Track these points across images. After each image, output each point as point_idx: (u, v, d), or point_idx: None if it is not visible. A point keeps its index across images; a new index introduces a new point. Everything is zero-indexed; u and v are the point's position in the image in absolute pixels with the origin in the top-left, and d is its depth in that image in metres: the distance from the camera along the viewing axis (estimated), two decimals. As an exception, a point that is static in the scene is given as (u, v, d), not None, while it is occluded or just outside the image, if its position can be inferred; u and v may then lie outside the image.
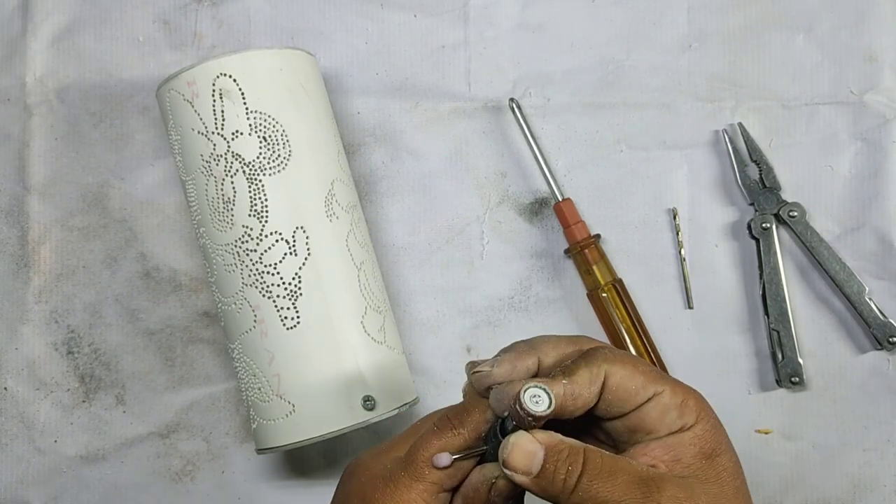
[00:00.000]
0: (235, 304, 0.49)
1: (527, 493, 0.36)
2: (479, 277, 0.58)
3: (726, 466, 0.36)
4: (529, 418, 0.33)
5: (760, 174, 0.57)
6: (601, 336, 0.57)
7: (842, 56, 0.58)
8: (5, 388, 0.57)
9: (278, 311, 0.48)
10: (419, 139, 0.59)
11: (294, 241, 0.48)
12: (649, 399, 0.35)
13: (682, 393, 0.36)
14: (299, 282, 0.48)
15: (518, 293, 0.58)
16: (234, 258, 0.49)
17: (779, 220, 0.57)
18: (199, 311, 0.58)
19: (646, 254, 0.58)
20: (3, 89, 0.59)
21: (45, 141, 0.58)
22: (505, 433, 0.35)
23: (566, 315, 0.58)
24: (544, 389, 0.34)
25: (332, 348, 0.48)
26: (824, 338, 0.57)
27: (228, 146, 0.48)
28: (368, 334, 0.49)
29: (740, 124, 0.58)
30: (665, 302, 0.58)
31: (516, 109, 0.57)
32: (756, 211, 0.57)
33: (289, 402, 0.48)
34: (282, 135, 0.49)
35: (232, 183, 0.48)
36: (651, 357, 0.56)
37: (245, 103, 0.48)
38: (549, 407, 0.33)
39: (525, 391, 0.33)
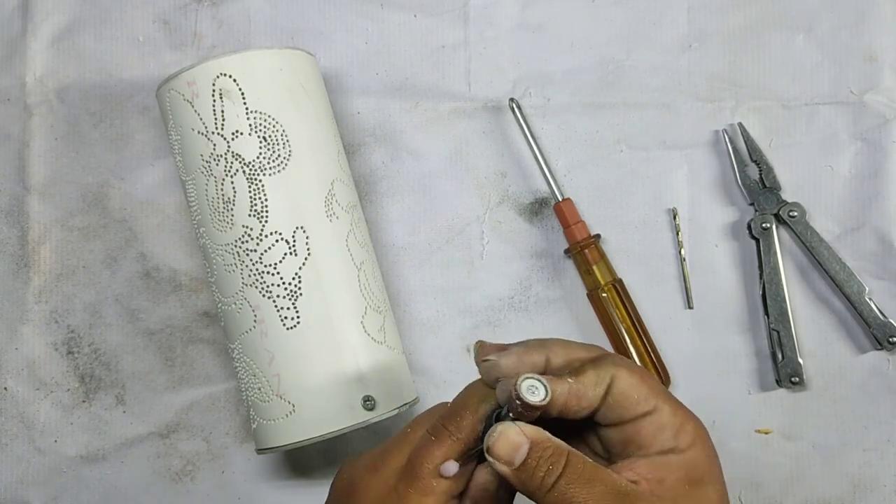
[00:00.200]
0: (235, 304, 0.49)
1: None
2: (479, 277, 0.58)
3: (711, 498, 0.35)
4: (521, 407, 0.34)
5: (760, 174, 0.57)
6: (601, 336, 0.57)
7: (842, 56, 0.58)
8: (5, 388, 0.57)
9: (278, 311, 0.48)
10: (419, 139, 0.59)
11: (294, 241, 0.48)
12: (649, 413, 0.35)
13: (683, 416, 0.36)
14: (299, 282, 0.48)
15: (518, 293, 0.58)
16: (234, 258, 0.49)
17: (779, 220, 0.57)
18: (199, 311, 0.58)
19: (646, 254, 0.58)
20: (3, 89, 0.59)
21: (45, 141, 0.58)
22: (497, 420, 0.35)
23: (566, 315, 0.58)
24: (542, 382, 0.34)
25: (332, 348, 0.48)
26: (824, 338, 0.57)
27: (228, 146, 0.48)
28: (368, 334, 0.49)
29: (740, 124, 0.58)
30: (665, 302, 0.58)
31: (516, 109, 0.57)
32: (756, 211, 0.57)
33: (289, 402, 0.48)
34: (282, 135, 0.49)
35: (232, 183, 0.48)
36: (651, 357, 0.56)
37: (245, 103, 0.48)
38: (543, 399, 0.34)
39: (523, 380, 0.34)
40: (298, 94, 0.50)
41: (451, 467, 0.35)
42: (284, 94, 0.49)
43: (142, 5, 0.59)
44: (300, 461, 0.57)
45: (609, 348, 0.56)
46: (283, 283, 0.48)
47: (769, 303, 0.56)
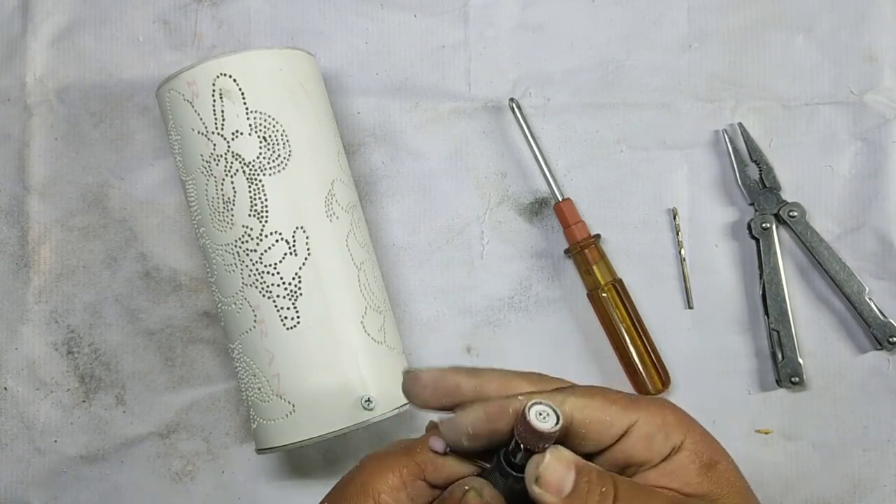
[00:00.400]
0: (235, 304, 0.49)
1: None
2: (479, 277, 0.58)
3: (729, 469, 0.34)
4: (536, 438, 0.31)
5: (760, 174, 0.57)
6: (601, 336, 0.57)
7: (842, 56, 0.58)
8: (5, 388, 0.57)
9: (278, 311, 0.48)
10: (419, 139, 0.59)
11: (294, 241, 0.48)
12: (628, 431, 0.34)
13: (658, 412, 0.34)
14: (299, 282, 0.48)
15: (518, 293, 0.58)
16: (234, 258, 0.49)
17: (779, 220, 0.57)
18: (199, 311, 0.58)
19: (646, 254, 0.58)
20: (3, 89, 0.59)
21: (45, 141, 0.58)
22: (507, 458, 0.33)
23: (566, 315, 0.58)
24: (549, 406, 0.32)
25: (332, 348, 0.48)
26: (824, 338, 0.57)
27: (228, 146, 0.48)
28: (368, 334, 0.49)
29: (740, 124, 0.58)
30: (665, 302, 0.58)
31: (516, 109, 0.57)
32: (756, 211, 0.57)
33: (289, 402, 0.48)
34: (282, 135, 0.49)
35: (232, 183, 0.48)
36: (651, 357, 0.56)
37: (245, 103, 0.48)
38: (557, 423, 0.31)
39: (531, 407, 0.31)
40: (298, 94, 0.50)
41: (438, 443, 0.34)
42: (284, 94, 0.49)
43: (142, 5, 0.59)
44: (300, 461, 0.57)
45: (609, 348, 0.56)
46: (283, 283, 0.48)
47: (769, 303, 0.56)
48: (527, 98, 0.59)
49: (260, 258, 0.48)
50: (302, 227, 0.48)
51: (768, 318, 0.56)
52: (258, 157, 0.48)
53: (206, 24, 0.59)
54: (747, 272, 0.58)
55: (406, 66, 0.59)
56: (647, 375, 0.55)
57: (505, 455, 0.33)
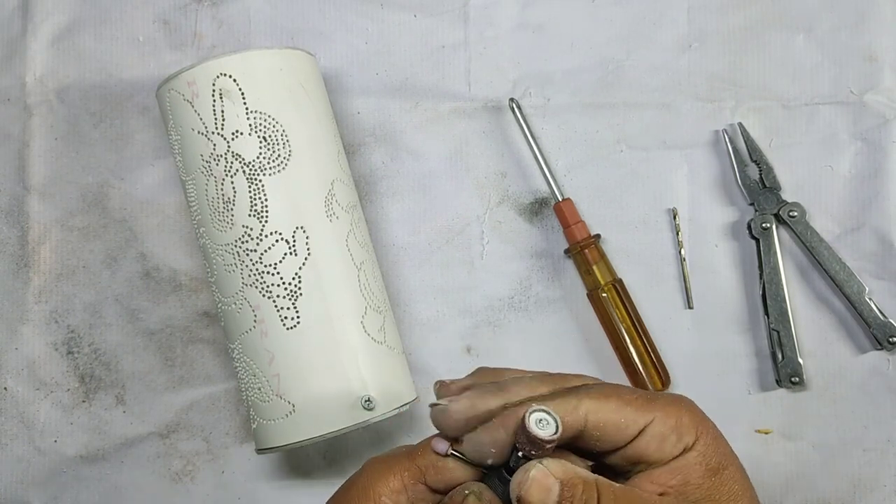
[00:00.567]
0: (235, 304, 0.49)
1: None
2: (479, 277, 0.58)
3: (735, 478, 0.35)
4: (534, 445, 0.32)
5: (760, 174, 0.57)
6: (601, 336, 0.57)
7: (842, 56, 0.58)
8: (5, 388, 0.57)
9: (278, 311, 0.48)
10: (419, 139, 0.59)
11: (294, 241, 0.48)
12: (643, 430, 0.34)
13: (675, 412, 0.34)
14: (299, 282, 0.48)
15: (518, 293, 0.58)
16: (234, 258, 0.49)
17: (779, 220, 0.57)
18: (199, 311, 0.58)
19: (646, 254, 0.58)
20: (3, 89, 0.59)
21: (45, 141, 0.58)
22: (506, 465, 0.33)
23: (566, 315, 0.58)
24: (549, 413, 0.32)
25: (332, 348, 0.48)
26: (824, 338, 0.57)
27: (228, 146, 0.48)
28: (368, 334, 0.49)
29: (740, 124, 0.58)
30: (665, 302, 0.58)
31: (516, 109, 0.57)
32: (756, 211, 0.57)
33: (289, 402, 0.48)
34: (282, 135, 0.49)
35: (232, 183, 0.48)
36: (651, 357, 0.56)
37: (245, 103, 0.48)
38: (556, 432, 0.32)
39: (530, 414, 0.31)
40: (298, 94, 0.50)
41: (441, 445, 0.34)
42: (284, 94, 0.49)
43: (142, 5, 0.59)
44: (300, 461, 0.57)
45: (609, 348, 0.56)
46: (283, 283, 0.48)
47: (769, 303, 0.56)
48: (527, 98, 0.59)
49: (260, 258, 0.48)
50: (302, 227, 0.48)
51: (768, 318, 0.56)
52: (258, 157, 0.48)
53: (206, 24, 0.59)
54: (747, 272, 0.58)
55: (406, 66, 0.59)
56: (647, 375, 0.55)
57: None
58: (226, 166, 0.48)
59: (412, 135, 0.59)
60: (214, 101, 0.48)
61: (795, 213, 0.57)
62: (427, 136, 0.59)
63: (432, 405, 0.35)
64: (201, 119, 0.49)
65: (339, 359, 0.48)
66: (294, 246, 0.48)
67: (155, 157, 0.58)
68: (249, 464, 0.57)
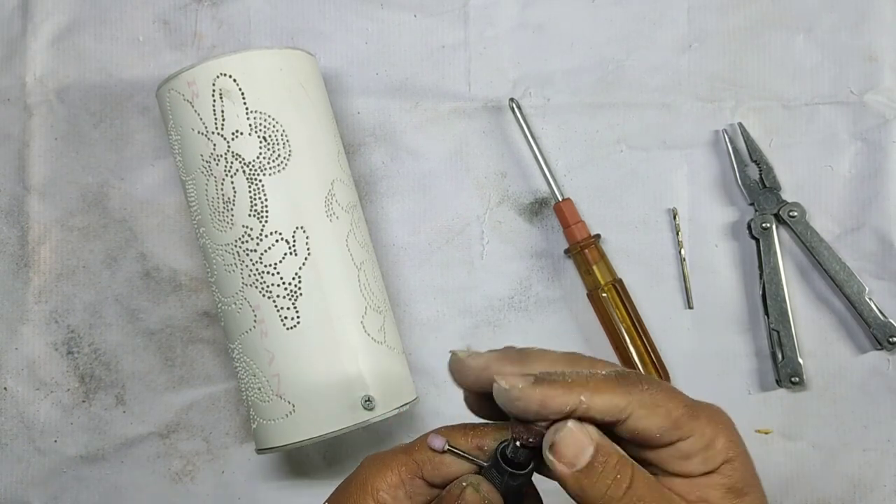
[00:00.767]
0: (235, 304, 0.49)
1: None
2: (479, 277, 0.58)
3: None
4: (528, 432, 0.32)
5: (760, 174, 0.57)
6: (601, 336, 0.57)
7: (842, 56, 0.58)
8: (5, 388, 0.57)
9: (278, 311, 0.48)
10: (419, 139, 0.59)
11: (294, 241, 0.48)
12: (673, 443, 0.33)
13: (711, 433, 0.33)
14: (299, 282, 0.48)
15: (518, 293, 0.58)
16: (234, 258, 0.49)
17: (779, 220, 0.57)
18: (199, 311, 0.58)
19: (646, 254, 0.58)
20: (3, 89, 0.59)
21: (45, 141, 0.58)
22: (504, 456, 0.33)
23: (566, 315, 0.58)
24: None
25: (332, 348, 0.48)
26: (824, 338, 0.57)
27: (228, 146, 0.48)
28: (368, 334, 0.49)
29: (740, 124, 0.58)
30: (665, 302, 0.58)
31: (516, 109, 0.57)
32: (756, 211, 0.57)
33: (289, 402, 0.48)
34: (282, 135, 0.49)
35: (232, 183, 0.48)
36: (651, 357, 0.56)
37: (245, 103, 0.48)
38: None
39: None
40: (298, 94, 0.50)
41: (437, 441, 0.34)
42: (284, 94, 0.49)
43: (142, 5, 0.59)
44: (300, 461, 0.57)
45: (609, 348, 0.56)
46: (283, 283, 0.48)
47: (769, 303, 0.56)
48: (527, 98, 0.59)
49: (260, 258, 0.48)
50: (302, 227, 0.48)
51: (768, 318, 0.56)
52: (258, 157, 0.48)
53: (206, 24, 0.59)
54: (747, 272, 0.58)
55: (406, 66, 0.59)
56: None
57: (501, 452, 0.34)
58: (226, 166, 0.48)
59: (412, 135, 0.59)
60: (214, 101, 0.48)
61: (795, 213, 0.57)
62: (427, 136, 0.59)
63: (452, 353, 0.34)
64: (201, 119, 0.49)
65: (339, 359, 0.48)
66: (294, 246, 0.48)
67: (155, 157, 0.58)
68: (249, 464, 0.57)
